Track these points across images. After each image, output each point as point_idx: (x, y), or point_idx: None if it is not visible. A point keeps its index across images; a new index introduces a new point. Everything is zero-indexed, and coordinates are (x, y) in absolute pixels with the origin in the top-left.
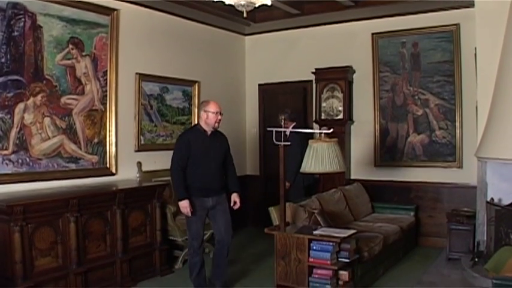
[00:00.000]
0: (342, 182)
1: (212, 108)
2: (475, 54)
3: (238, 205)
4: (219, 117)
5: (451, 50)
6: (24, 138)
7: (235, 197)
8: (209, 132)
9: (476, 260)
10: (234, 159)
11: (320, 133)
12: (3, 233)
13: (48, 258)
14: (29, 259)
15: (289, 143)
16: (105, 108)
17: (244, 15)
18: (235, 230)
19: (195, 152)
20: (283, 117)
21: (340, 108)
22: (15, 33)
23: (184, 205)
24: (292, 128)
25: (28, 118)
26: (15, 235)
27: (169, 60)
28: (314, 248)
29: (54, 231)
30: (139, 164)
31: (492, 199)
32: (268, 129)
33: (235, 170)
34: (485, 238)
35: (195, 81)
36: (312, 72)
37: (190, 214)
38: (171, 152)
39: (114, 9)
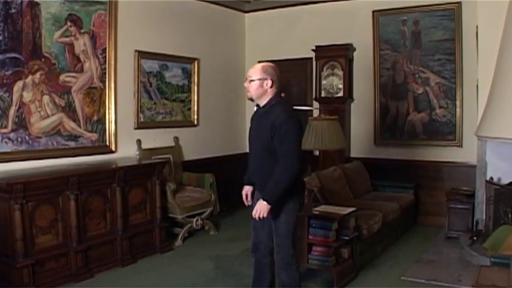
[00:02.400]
0: (341, 160)
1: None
2: (477, 33)
3: (256, 213)
4: (245, 84)
5: (452, 28)
6: (23, 116)
7: (257, 204)
8: (261, 110)
9: (475, 238)
10: (232, 138)
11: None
12: (3, 211)
13: (49, 235)
14: (30, 237)
15: None
16: (104, 86)
17: None
18: (233, 210)
19: (249, 133)
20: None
21: (341, 86)
22: (13, 11)
23: (243, 191)
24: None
25: (27, 96)
26: (16, 213)
27: (168, 37)
28: (313, 225)
29: (55, 209)
30: (138, 141)
31: (491, 178)
32: None
33: (284, 168)
34: (484, 217)
35: (195, 59)
36: (312, 50)
37: (246, 203)
38: (170, 130)
39: None
